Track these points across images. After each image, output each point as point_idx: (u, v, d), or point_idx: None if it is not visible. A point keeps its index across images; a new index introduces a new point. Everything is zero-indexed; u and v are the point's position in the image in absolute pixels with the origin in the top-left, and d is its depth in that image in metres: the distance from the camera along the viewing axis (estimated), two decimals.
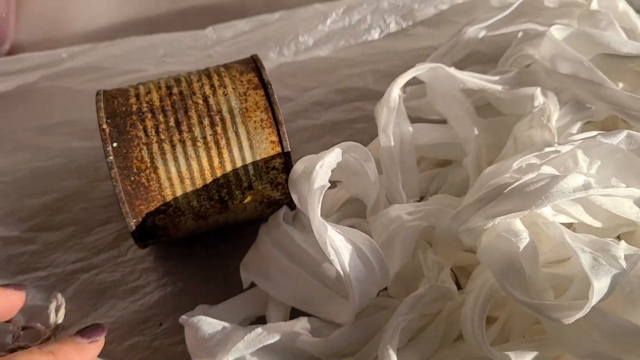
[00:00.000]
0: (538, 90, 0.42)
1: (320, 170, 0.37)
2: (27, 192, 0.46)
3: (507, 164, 0.38)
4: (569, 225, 0.39)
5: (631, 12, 0.50)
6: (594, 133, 0.38)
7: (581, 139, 0.36)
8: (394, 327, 0.36)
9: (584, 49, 0.45)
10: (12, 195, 0.46)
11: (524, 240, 0.34)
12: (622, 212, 0.36)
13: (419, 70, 0.44)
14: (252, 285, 0.43)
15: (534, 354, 0.35)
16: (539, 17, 0.51)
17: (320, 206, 0.37)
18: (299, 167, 0.40)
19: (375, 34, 0.52)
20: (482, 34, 0.50)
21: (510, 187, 0.35)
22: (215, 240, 0.45)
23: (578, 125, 0.42)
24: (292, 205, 0.43)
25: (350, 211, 0.45)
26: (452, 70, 0.44)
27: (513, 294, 0.34)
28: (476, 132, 0.44)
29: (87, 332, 0.35)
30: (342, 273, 0.36)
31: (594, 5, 0.49)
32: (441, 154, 0.46)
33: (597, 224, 0.37)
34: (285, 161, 0.40)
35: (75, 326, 0.42)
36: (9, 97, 0.48)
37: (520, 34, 0.50)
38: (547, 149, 0.36)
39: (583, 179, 0.35)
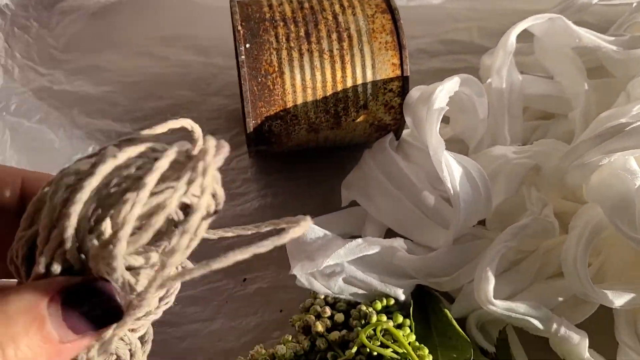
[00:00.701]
0: None
1: (440, 93, 0.39)
2: (144, 95, 0.49)
3: (626, 109, 0.38)
4: None
5: None
6: None
7: None
8: (494, 252, 0.37)
9: None
10: (131, 96, 0.48)
11: (639, 179, 0.35)
12: None
13: (538, 19, 0.44)
14: (350, 205, 0.44)
15: (631, 295, 0.36)
16: None
17: (437, 127, 0.38)
18: (415, 93, 0.41)
19: None
20: (595, 0, 0.50)
21: (632, 126, 0.35)
22: (316, 161, 0.47)
23: None
24: (397, 135, 0.45)
25: (453, 149, 0.46)
26: (571, 24, 0.44)
27: (622, 229, 0.35)
28: (586, 87, 0.44)
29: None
30: (451, 191, 0.38)
31: None
32: (547, 106, 0.47)
33: None
34: (403, 85, 0.41)
35: None
36: (136, 4, 0.51)
37: (634, 4, 0.50)
38: None
39: None
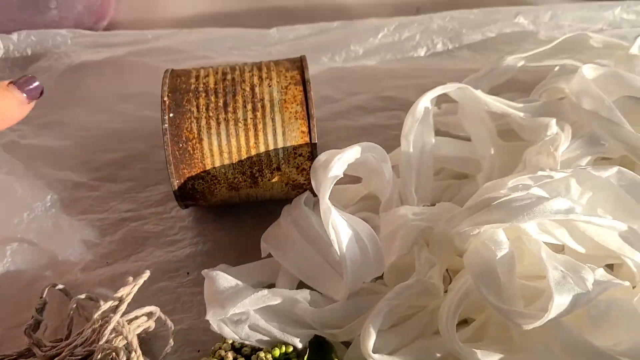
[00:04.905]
0: (553, 121, 0.45)
1: (337, 162, 0.43)
2: (101, 148, 0.55)
3: (505, 181, 0.41)
4: (560, 248, 0.42)
5: None
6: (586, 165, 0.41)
7: (573, 169, 0.39)
8: (378, 310, 0.41)
9: (612, 89, 0.48)
10: (88, 149, 0.54)
11: (504, 250, 0.38)
12: (606, 242, 0.39)
13: (447, 88, 0.48)
14: (269, 256, 0.49)
15: (500, 356, 0.39)
16: (581, 55, 0.54)
17: (329, 192, 0.42)
18: (322, 157, 0.45)
19: (421, 52, 0.57)
20: (520, 63, 0.53)
21: (498, 201, 0.38)
22: (244, 214, 0.51)
23: (588, 159, 0.45)
24: (314, 192, 0.49)
25: (367, 206, 0.50)
26: (478, 93, 0.48)
27: (486, 296, 0.38)
28: (492, 151, 0.47)
29: (22, 82, 0.40)
30: (338, 252, 0.42)
31: (634, 50, 0.51)
32: (459, 167, 0.50)
33: (581, 249, 0.40)
34: (312, 150, 0.45)
35: (117, 264, 0.49)
36: (100, 66, 0.57)
37: (557, 68, 0.52)
38: (540, 173, 0.40)
39: (568, 204, 0.38)
